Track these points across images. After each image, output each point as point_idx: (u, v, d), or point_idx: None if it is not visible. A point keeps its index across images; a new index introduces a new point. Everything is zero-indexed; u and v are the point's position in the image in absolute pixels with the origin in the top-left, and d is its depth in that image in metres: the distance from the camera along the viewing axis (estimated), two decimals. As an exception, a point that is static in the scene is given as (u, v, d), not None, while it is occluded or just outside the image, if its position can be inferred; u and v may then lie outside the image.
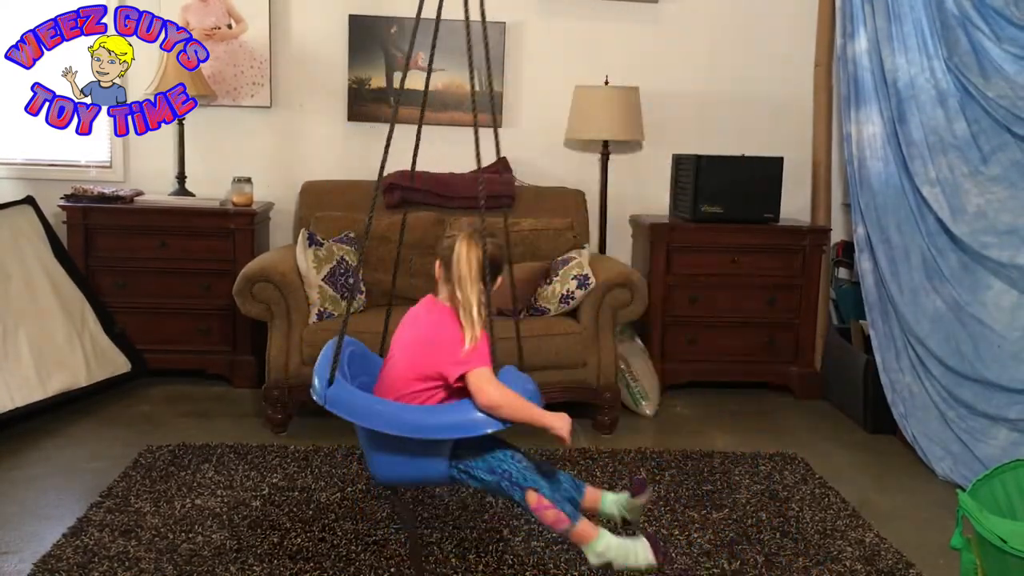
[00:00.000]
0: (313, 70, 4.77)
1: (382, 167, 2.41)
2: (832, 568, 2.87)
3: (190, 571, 2.72)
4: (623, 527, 2.57)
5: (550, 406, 2.33)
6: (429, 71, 2.59)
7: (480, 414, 2.22)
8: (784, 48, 4.90)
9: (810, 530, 3.14)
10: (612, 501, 2.46)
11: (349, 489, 3.33)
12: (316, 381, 2.33)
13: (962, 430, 3.70)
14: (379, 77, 4.75)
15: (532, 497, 2.27)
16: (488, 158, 5.19)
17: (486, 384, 2.22)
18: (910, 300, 3.93)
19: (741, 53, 4.90)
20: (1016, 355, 3.58)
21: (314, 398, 2.32)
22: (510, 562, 2.84)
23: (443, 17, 2.39)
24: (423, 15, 2.39)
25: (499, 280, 2.38)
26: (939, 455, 3.75)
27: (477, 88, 4.49)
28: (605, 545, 2.26)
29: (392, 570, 2.77)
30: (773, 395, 4.68)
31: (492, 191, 4.50)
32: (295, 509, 3.16)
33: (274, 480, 3.39)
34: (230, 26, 4.68)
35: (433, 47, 2.50)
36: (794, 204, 4.88)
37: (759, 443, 3.99)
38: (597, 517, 2.46)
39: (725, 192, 4.55)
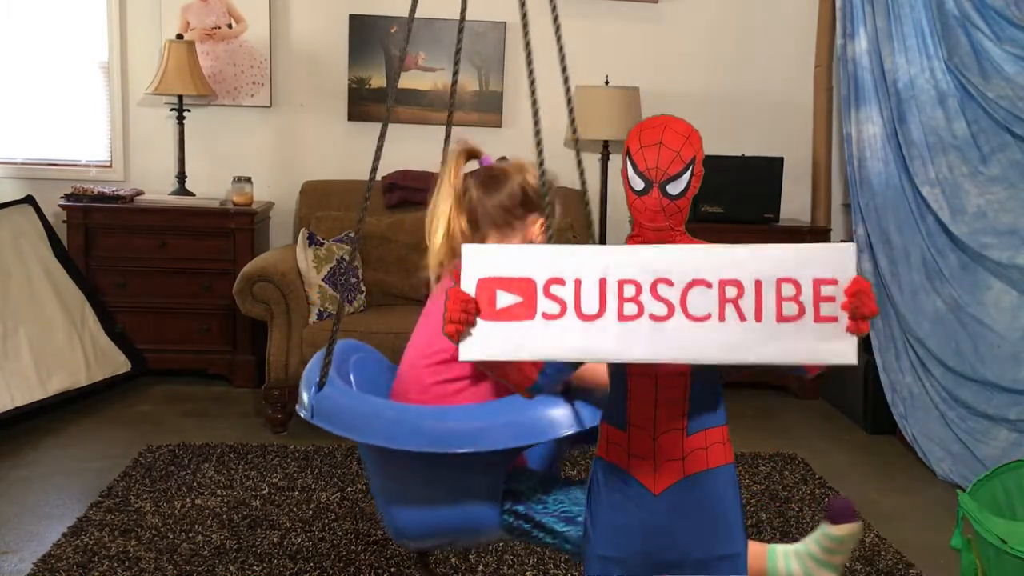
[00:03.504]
0: (313, 70, 4.76)
1: (374, 168, 2.43)
2: (832, 568, 2.87)
3: (190, 571, 2.72)
4: None
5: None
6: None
7: (555, 409, 1.33)
8: (784, 48, 4.89)
9: (810, 530, 3.13)
10: (787, 553, 1.78)
11: (349, 489, 3.33)
12: (303, 394, 1.74)
13: (962, 430, 3.70)
14: (379, 77, 4.74)
15: None
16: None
17: None
18: (910, 300, 3.93)
19: (741, 53, 4.89)
20: (1016, 355, 3.58)
21: (301, 415, 1.75)
22: (510, 562, 2.83)
23: (443, 17, 2.38)
24: (419, 15, 2.39)
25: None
26: (939, 455, 3.75)
27: (477, 88, 4.49)
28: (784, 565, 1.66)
29: (392, 570, 2.77)
30: (773, 395, 4.67)
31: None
32: (295, 509, 3.16)
33: (274, 480, 3.39)
34: (230, 26, 4.67)
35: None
36: (794, 204, 4.88)
37: (759, 443, 3.98)
38: None
39: (725, 192, 4.54)
